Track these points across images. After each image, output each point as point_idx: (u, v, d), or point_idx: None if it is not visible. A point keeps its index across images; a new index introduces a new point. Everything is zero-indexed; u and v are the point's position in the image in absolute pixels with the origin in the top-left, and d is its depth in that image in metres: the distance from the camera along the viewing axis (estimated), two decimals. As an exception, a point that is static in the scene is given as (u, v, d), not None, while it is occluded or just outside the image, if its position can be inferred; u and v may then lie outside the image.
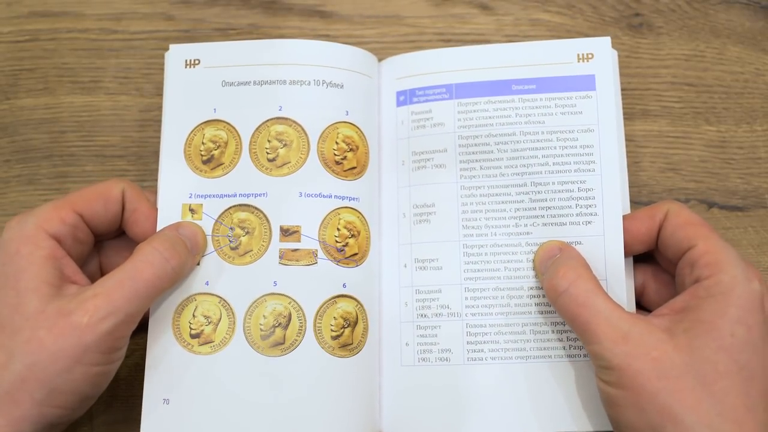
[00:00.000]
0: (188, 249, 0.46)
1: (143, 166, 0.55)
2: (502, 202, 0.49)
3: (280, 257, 0.48)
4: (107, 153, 0.55)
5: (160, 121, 0.55)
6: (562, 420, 0.47)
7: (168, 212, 0.49)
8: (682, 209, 0.45)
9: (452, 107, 0.51)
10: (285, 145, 0.50)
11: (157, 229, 0.48)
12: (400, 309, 0.50)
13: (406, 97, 0.52)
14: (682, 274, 0.44)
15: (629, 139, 0.54)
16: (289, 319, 0.48)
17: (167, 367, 0.47)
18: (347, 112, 0.51)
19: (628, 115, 0.55)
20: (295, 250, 0.49)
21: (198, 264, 0.48)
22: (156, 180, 0.53)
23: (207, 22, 0.57)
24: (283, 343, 0.47)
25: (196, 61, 0.51)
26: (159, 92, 0.55)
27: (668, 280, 0.48)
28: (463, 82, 0.51)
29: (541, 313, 0.48)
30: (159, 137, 0.54)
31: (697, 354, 0.39)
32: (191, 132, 0.51)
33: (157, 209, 0.48)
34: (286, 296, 0.48)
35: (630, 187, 0.50)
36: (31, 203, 0.54)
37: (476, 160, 0.50)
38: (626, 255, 0.47)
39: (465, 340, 0.48)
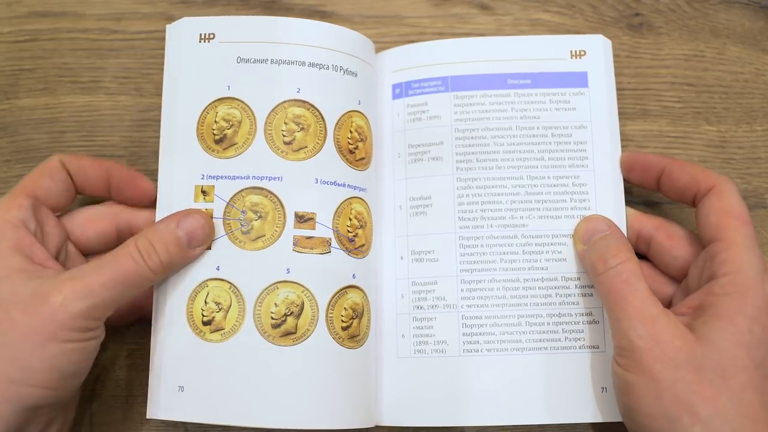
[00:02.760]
0: (181, 247, 0.46)
1: (143, 166, 0.55)
2: (498, 195, 0.51)
3: (294, 244, 0.48)
4: (107, 153, 0.56)
5: (160, 120, 0.56)
6: (558, 411, 0.48)
7: (180, 194, 0.49)
8: (727, 192, 0.46)
9: (448, 100, 0.53)
10: (302, 128, 0.50)
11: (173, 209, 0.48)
12: (396, 301, 0.51)
13: (401, 90, 0.54)
14: (699, 266, 0.46)
15: (630, 139, 0.56)
16: (302, 308, 0.48)
17: (182, 354, 0.47)
18: (359, 101, 0.52)
19: (629, 115, 0.56)
20: (310, 237, 0.48)
21: (209, 248, 0.48)
22: (156, 180, 0.55)
23: (207, 23, 0.58)
24: (294, 333, 0.47)
25: (211, 36, 0.51)
26: (159, 92, 0.56)
27: (663, 281, 0.50)
28: (458, 75, 0.53)
29: (537, 304, 0.49)
30: (158, 137, 0.55)
31: (718, 347, 0.41)
32: (204, 110, 0.50)
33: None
34: (300, 284, 0.48)
35: (631, 186, 0.52)
36: (31, 203, 0.55)
37: (472, 153, 0.52)
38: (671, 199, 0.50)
39: (461, 332, 0.49)
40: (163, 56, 0.57)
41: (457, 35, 0.59)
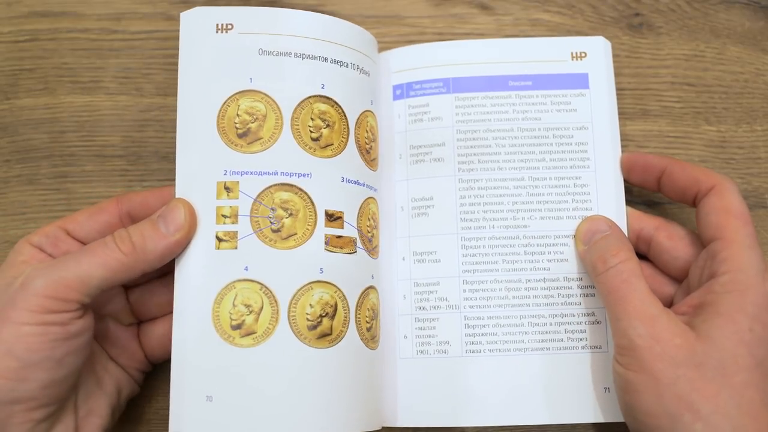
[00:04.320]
0: (155, 227, 0.45)
1: (143, 166, 0.56)
2: (500, 196, 0.51)
3: (326, 243, 0.47)
4: (107, 153, 0.56)
5: (160, 120, 0.56)
6: (560, 411, 0.48)
7: (201, 191, 0.47)
8: (727, 192, 0.46)
9: (450, 101, 0.53)
10: (328, 125, 0.49)
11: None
12: (398, 302, 0.51)
13: (402, 91, 0.54)
14: (700, 265, 0.46)
15: (630, 139, 0.56)
16: (335, 309, 0.47)
17: (209, 362, 0.44)
18: (371, 101, 0.52)
19: (629, 115, 0.57)
20: (340, 237, 0.48)
21: (235, 247, 0.46)
22: (156, 180, 0.55)
23: (207, 22, 0.58)
24: (330, 334, 0.46)
25: (229, 26, 0.48)
26: (159, 92, 0.57)
27: (664, 281, 0.50)
28: (460, 77, 0.53)
29: (539, 305, 0.50)
30: (159, 137, 0.56)
31: (719, 345, 0.41)
32: (225, 102, 0.48)
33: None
34: (332, 284, 0.47)
35: (631, 186, 0.52)
36: (31, 203, 0.55)
37: (474, 154, 0.52)
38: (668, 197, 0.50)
39: (463, 333, 0.50)
40: (163, 56, 0.57)
41: (457, 35, 0.59)
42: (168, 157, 0.56)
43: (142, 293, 0.50)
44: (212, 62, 0.48)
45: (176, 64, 0.57)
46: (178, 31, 0.57)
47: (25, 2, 0.59)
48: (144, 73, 0.58)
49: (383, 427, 0.50)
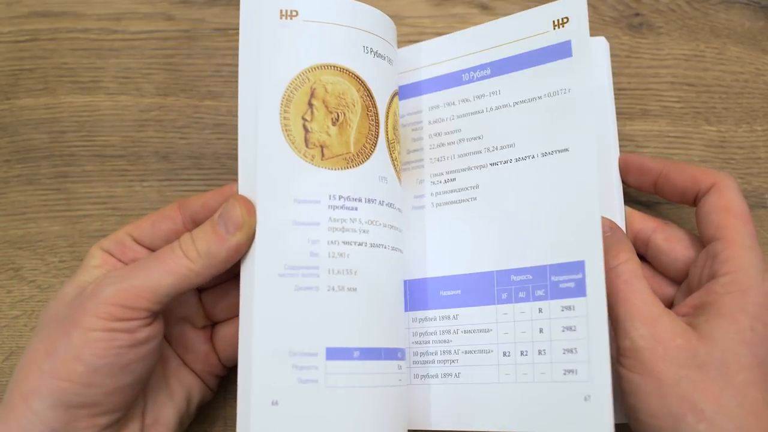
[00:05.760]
0: (216, 231, 0.43)
1: (143, 166, 0.56)
2: None
3: None
4: (107, 153, 0.56)
5: (160, 120, 0.56)
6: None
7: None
8: (727, 190, 0.45)
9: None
10: None
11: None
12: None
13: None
14: (700, 265, 0.46)
15: (629, 139, 0.56)
16: None
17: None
18: None
19: (629, 115, 0.56)
20: None
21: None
22: (156, 180, 0.55)
23: (207, 22, 0.58)
24: None
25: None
26: (159, 92, 0.57)
27: (664, 282, 0.49)
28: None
29: None
30: (159, 137, 0.56)
31: (720, 345, 0.41)
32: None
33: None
34: None
35: (631, 186, 0.52)
36: (31, 203, 0.55)
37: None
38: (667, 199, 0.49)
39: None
40: (163, 56, 0.57)
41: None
42: (168, 157, 0.56)
43: (215, 295, 0.49)
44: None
45: (176, 64, 0.57)
46: (178, 31, 0.57)
47: (25, 2, 0.59)
48: (144, 73, 0.58)
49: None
